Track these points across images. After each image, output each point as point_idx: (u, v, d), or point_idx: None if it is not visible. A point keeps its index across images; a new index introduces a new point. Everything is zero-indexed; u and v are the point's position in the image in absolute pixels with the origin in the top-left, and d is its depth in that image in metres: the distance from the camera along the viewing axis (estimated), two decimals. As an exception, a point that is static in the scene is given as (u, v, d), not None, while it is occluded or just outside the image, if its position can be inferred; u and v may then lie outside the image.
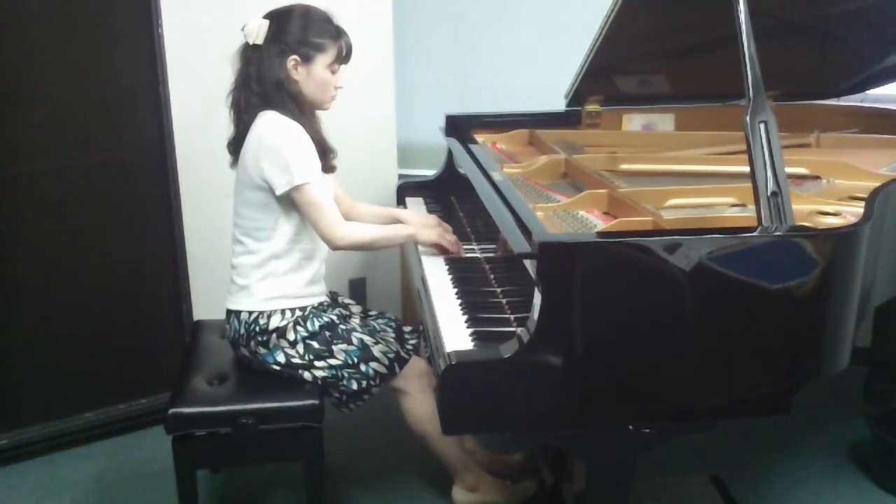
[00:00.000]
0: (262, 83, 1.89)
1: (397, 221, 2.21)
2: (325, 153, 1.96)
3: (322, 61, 1.91)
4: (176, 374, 2.03)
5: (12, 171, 2.28)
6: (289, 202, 1.90)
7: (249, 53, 1.91)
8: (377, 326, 2.09)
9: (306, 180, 1.85)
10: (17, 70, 2.23)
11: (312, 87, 1.93)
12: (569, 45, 2.40)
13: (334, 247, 1.93)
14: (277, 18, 1.90)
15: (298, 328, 1.95)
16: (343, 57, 1.95)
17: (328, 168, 1.98)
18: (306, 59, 1.90)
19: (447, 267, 2.00)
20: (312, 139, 1.90)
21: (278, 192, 1.86)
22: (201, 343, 2.17)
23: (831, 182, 2.05)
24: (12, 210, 2.30)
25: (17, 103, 2.25)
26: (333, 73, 1.94)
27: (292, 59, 1.89)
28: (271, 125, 1.89)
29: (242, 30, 1.90)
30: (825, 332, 1.53)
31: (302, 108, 1.92)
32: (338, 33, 1.94)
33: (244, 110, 1.92)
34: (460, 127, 2.49)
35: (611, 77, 2.45)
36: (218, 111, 2.18)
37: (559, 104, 2.51)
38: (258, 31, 1.88)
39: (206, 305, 2.54)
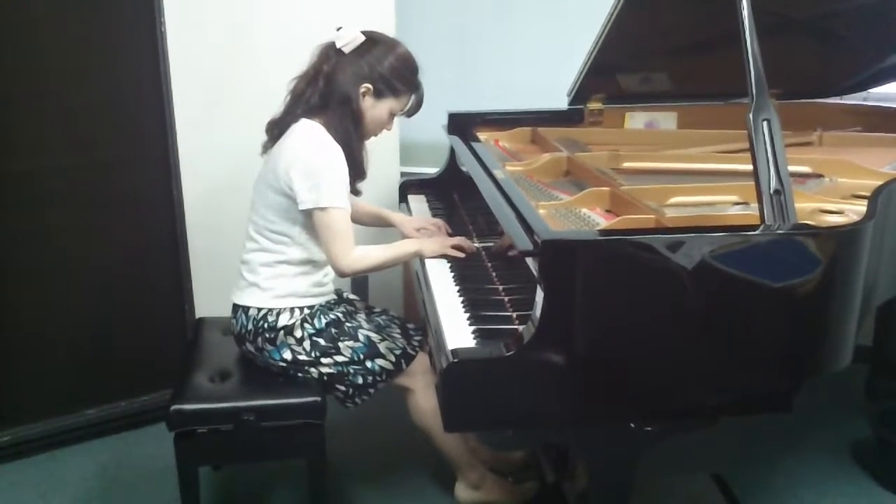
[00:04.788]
0: (330, 86, 1.89)
1: (387, 222, 2.25)
2: (358, 177, 1.97)
3: (390, 104, 1.94)
4: (178, 371, 2.03)
5: (14, 168, 2.28)
6: (310, 216, 1.89)
7: (331, 54, 1.90)
8: (382, 322, 2.09)
9: (332, 204, 1.84)
10: (19, 67, 2.23)
11: (368, 119, 1.94)
12: (571, 43, 2.40)
13: (340, 274, 1.92)
14: (373, 42, 1.91)
15: (306, 325, 1.95)
16: (409, 110, 1.99)
17: (354, 191, 1.98)
18: (378, 95, 1.91)
19: (449, 264, 2.00)
20: (353, 160, 1.90)
21: (301, 207, 1.85)
22: (203, 340, 2.18)
23: (834, 180, 2.05)
24: (14, 207, 2.30)
25: (19, 100, 2.25)
26: (391, 117, 1.97)
27: (365, 87, 1.89)
28: (312, 139, 1.88)
29: (337, 30, 1.90)
30: (827, 330, 1.53)
31: (356, 127, 1.92)
32: (416, 87, 1.96)
33: (301, 101, 1.92)
34: (463, 125, 2.49)
35: (613, 75, 2.44)
36: (220, 108, 2.19)
37: (562, 102, 2.51)
38: (350, 41, 1.88)
39: (208, 303, 2.54)
